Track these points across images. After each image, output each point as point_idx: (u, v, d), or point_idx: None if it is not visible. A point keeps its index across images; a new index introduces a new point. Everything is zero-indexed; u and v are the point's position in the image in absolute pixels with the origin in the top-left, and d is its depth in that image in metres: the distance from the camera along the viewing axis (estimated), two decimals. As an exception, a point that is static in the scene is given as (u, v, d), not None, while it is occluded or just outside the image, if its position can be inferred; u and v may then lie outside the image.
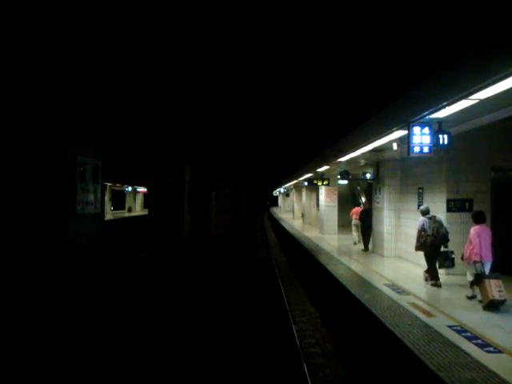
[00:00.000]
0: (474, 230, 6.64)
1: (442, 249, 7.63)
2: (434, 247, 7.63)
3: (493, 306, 5.98)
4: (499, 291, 5.90)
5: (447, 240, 7.62)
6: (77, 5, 4.15)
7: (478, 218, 6.76)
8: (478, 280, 6.27)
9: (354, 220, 14.02)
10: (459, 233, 8.59)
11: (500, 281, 6.01)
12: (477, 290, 6.44)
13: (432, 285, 7.66)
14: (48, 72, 4.07)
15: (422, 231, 7.79)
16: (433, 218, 7.81)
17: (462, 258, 6.83)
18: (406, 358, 4.55)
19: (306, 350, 6.53)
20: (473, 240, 6.50)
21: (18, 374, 3.86)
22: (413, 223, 9.98)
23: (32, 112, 4.06)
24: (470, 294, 6.72)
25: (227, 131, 13.24)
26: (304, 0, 4.92)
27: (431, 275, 7.79)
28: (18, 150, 4.06)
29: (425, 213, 8.00)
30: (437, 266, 7.75)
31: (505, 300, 5.94)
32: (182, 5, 4.89)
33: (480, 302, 6.29)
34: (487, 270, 6.42)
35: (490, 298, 5.91)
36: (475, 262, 6.40)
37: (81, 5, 4.21)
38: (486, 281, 6.03)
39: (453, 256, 7.49)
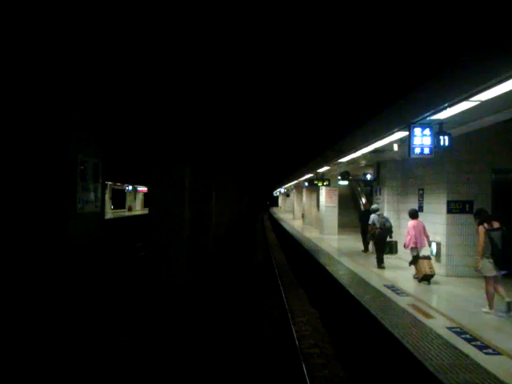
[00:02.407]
0: (411, 224, 8.38)
1: (388, 239, 9.60)
2: (382, 237, 9.57)
3: (425, 279, 7.80)
4: (429, 268, 7.78)
5: (391, 232, 9.57)
6: (78, 5, 4.14)
7: (414, 216, 8.58)
8: (415, 260, 8.14)
9: None
10: (459, 234, 8.59)
11: (430, 260, 7.94)
12: (416, 269, 8.18)
13: (378, 267, 9.56)
14: (49, 71, 4.07)
15: (373, 225, 9.71)
16: (381, 215, 9.90)
17: (404, 246, 8.53)
18: (405, 360, 4.54)
19: (305, 351, 6.52)
20: (410, 231, 8.27)
21: (18, 373, 3.86)
22: (413, 224, 9.97)
23: (33, 111, 4.06)
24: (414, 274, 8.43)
25: (228, 132, 13.24)
26: (306, 1, 4.92)
27: (378, 260, 9.65)
28: (20, 148, 4.06)
29: (375, 211, 10.04)
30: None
31: (433, 274, 7.78)
32: (184, 6, 4.89)
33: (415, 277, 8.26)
34: (423, 252, 8.26)
35: (424, 272, 7.79)
36: (412, 247, 8.18)
37: (82, 5, 4.21)
38: (420, 260, 7.96)
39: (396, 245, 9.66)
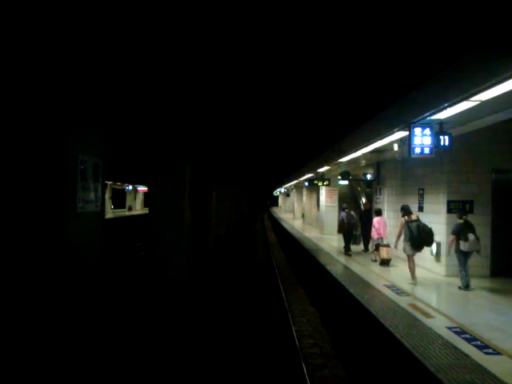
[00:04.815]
0: (376, 220, 10.55)
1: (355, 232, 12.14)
2: (348, 231, 11.86)
3: (384, 262, 9.92)
4: (387, 253, 9.89)
5: (356, 226, 11.94)
6: (78, 3, 4.14)
7: (379, 213, 10.72)
8: (377, 248, 10.28)
9: None
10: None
11: (389, 248, 9.87)
12: (377, 255, 10.26)
13: (345, 254, 11.72)
14: (49, 70, 4.07)
15: (342, 220, 11.89)
16: (348, 212, 11.94)
17: (371, 238, 10.87)
18: (405, 359, 4.55)
19: (305, 351, 6.53)
20: (377, 226, 10.39)
21: (17, 373, 3.86)
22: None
23: (33, 110, 4.06)
24: (374, 258, 10.67)
25: (228, 131, 13.24)
26: (305, 0, 4.92)
27: (346, 248, 11.87)
28: (20, 148, 4.06)
29: (344, 209, 12.26)
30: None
31: (390, 259, 9.91)
32: (183, 5, 4.89)
33: (374, 260, 10.49)
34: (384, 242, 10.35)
35: (382, 257, 9.95)
36: (378, 238, 10.35)
37: (82, 3, 4.21)
38: (381, 248, 10.06)
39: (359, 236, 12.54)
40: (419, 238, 7.73)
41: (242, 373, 5.68)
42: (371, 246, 11.43)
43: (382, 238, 10.30)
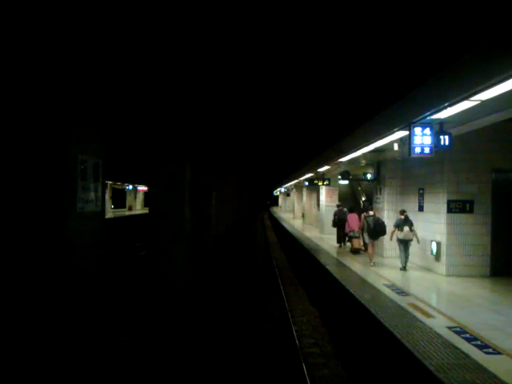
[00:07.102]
0: (349, 216, 12.54)
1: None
2: (340, 225, 13.66)
3: (355, 251, 12.14)
4: (358, 244, 12.09)
5: (346, 221, 12.93)
6: (78, 3, 4.14)
7: (352, 211, 12.84)
8: (350, 239, 12.57)
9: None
10: (459, 234, 8.59)
11: (360, 240, 11.81)
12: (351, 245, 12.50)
13: (337, 243, 14.04)
14: (49, 70, 4.07)
15: (335, 216, 14.11)
16: (340, 209, 14.11)
17: (346, 231, 12.96)
18: (406, 359, 4.55)
19: (305, 350, 6.53)
20: (349, 221, 12.32)
21: (17, 373, 3.86)
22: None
23: (33, 110, 4.06)
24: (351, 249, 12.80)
25: (228, 131, 13.25)
26: (307, 1, 4.92)
27: (338, 241, 14.02)
28: (19, 148, 4.06)
29: (338, 206, 14.58)
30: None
31: (361, 248, 12.07)
32: (182, 5, 4.89)
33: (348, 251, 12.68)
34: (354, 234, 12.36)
35: (354, 247, 12.19)
36: (350, 231, 12.28)
37: (82, 3, 4.21)
38: (353, 240, 12.24)
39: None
40: (374, 229, 9.91)
41: (243, 372, 5.68)
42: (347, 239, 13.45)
43: (354, 231, 12.15)
